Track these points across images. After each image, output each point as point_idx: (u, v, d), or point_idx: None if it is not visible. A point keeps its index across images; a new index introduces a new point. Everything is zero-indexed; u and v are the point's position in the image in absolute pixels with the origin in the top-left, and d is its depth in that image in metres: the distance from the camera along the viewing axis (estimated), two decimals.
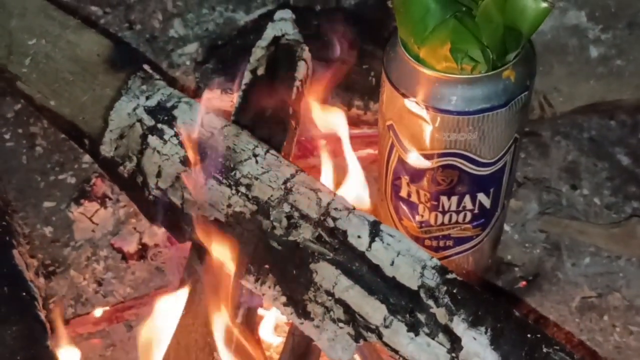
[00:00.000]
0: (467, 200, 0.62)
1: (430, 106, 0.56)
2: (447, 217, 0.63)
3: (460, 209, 0.62)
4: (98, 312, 0.69)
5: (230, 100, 0.77)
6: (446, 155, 0.58)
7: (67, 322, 0.68)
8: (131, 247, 0.76)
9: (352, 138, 0.79)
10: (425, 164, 0.59)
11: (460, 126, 0.56)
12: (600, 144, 0.85)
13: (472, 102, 0.55)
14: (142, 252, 0.76)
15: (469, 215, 0.63)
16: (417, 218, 0.64)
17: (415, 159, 0.60)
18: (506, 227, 0.77)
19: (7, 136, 0.87)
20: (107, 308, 0.70)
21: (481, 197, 0.62)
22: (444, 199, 0.61)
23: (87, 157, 0.83)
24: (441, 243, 0.65)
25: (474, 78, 0.54)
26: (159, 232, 0.75)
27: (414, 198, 0.63)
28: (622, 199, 0.81)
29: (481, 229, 0.65)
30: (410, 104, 0.57)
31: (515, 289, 0.74)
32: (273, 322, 0.66)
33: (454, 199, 0.61)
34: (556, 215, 0.79)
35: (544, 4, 0.53)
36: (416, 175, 0.61)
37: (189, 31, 0.94)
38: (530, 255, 0.77)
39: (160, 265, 0.75)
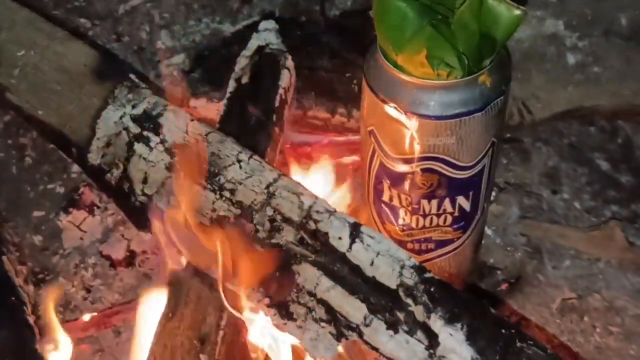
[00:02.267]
0: (447, 203, 0.63)
1: (409, 111, 0.57)
2: (428, 220, 0.64)
3: (441, 212, 0.64)
4: (86, 317, 0.70)
5: (216, 108, 0.78)
6: (426, 159, 0.60)
7: None
8: (119, 254, 0.77)
9: (337, 145, 0.81)
10: (405, 168, 0.61)
11: (439, 130, 0.58)
12: (580, 149, 0.87)
13: (449, 107, 0.57)
14: (130, 259, 0.77)
15: (449, 218, 0.64)
16: (399, 221, 0.65)
17: (395, 164, 0.61)
18: (488, 231, 0.79)
19: None
20: (95, 314, 0.71)
21: (461, 200, 0.63)
22: (424, 202, 0.63)
23: (75, 167, 0.84)
24: (423, 246, 0.67)
25: (450, 83, 0.56)
26: (147, 239, 0.77)
27: (395, 202, 0.64)
28: (602, 203, 0.83)
29: (462, 231, 0.66)
30: (389, 109, 0.58)
31: (498, 292, 0.76)
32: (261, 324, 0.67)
33: (435, 202, 0.63)
34: (537, 220, 0.81)
35: (518, 12, 0.55)
36: (397, 179, 0.62)
37: (176, 42, 0.96)
38: (512, 258, 0.78)
39: (148, 272, 0.76)
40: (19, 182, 0.85)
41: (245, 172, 0.57)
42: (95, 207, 0.80)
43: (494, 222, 0.80)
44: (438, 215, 0.64)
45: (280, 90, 0.69)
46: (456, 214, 0.64)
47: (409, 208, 0.63)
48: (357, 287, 0.51)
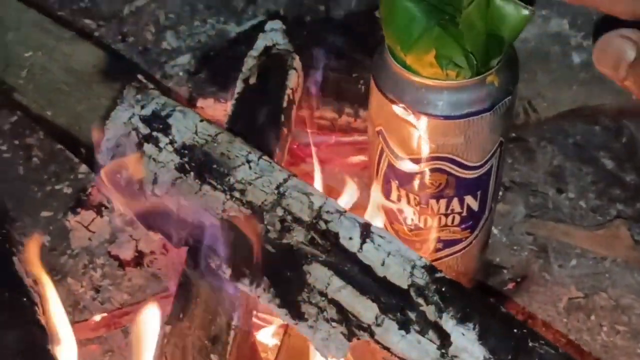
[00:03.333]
0: (455, 203, 0.63)
1: (417, 111, 0.57)
2: (436, 220, 0.64)
3: (449, 212, 0.64)
4: (96, 318, 0.71)
5: (224, 109, 0.79)
6: (434, 159, 0.60)
7: None
8: (128, 254, 0.77)
9: (344, 145, 0.82)
10: (414, 168, 0.61)
11: (447, 130, 0.58)
12: (585, 148, 0.87)
13: (457, 106, 0.57)
14: (139, 259, 0.77)
15: (457, 218, 0.65)
16: (408, 221, 0.65)
17: (404, 164, 0.61)
18: (494, 231, 0.79)
19: (3, 147, 0.88)
20: (105, 314, 0.71)
21: (469, 200, 0.63)
22: (432, 202, 0.63)
23: (83, 168, 0.84)
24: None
25: (458, 83, 0.56)
26: (155, 240, 0.77)
27: (403, 202, 0.64)
28: (607, 201, 0.83)
29: (470, 231, 0.66)
30: (398, 109, 0.58)
31: (505, 290, 0.76)
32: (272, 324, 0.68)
33: (443, 202, 0.63)
34: (543, 219, 0.81)
35: (525, 11, 0.55)
36: (405, 179, 0.62)
37: (182, 43, 0.96)
38: (519, 257, 0.79)
39: (157, 272, 0.77)
40: (26, 182, 0.85)
41: (255, 173, 0.58)
42: (103, 208, 0.80)
43: (500, 221, 0.80)
44: (446, 215, 0.64)
45: (288, 91, 0.69)
46: (464, 213, 0.64)
47: (417, 208, 0.64)
48: (368, 287, 0.51)
